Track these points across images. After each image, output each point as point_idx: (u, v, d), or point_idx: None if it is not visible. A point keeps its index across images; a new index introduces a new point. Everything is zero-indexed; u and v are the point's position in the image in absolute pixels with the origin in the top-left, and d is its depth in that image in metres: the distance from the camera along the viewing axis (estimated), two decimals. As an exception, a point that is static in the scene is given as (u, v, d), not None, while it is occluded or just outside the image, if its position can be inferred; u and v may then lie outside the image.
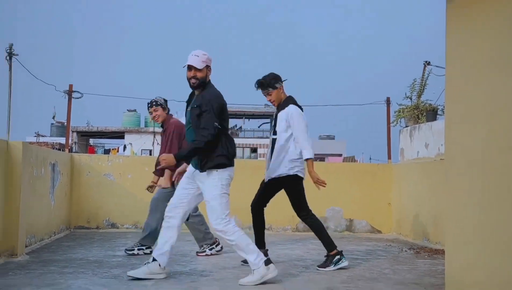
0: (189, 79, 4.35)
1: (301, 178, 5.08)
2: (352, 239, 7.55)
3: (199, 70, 4.31)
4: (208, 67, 4.39)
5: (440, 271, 4.80)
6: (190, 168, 4.45)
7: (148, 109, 5.78)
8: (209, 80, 4.44)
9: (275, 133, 5.13)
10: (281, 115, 5.10)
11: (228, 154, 4.30)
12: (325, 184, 5.02)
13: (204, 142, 4.19)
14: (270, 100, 5.19)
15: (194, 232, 5.71)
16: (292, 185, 5.04)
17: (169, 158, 4.31)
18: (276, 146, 5.02)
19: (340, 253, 5.05)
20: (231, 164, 4.35)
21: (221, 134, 4.29)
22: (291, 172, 4.99)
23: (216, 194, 4.23)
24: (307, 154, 4.97)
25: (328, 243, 5.04)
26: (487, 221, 3.42)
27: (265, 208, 5.15)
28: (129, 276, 4.23)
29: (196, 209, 5.50)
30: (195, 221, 5.62)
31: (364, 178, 8.42)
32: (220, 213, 4.20)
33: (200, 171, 4.27)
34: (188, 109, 4.45)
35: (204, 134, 4.21)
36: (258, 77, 5.20)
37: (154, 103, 5.70)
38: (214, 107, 4.26)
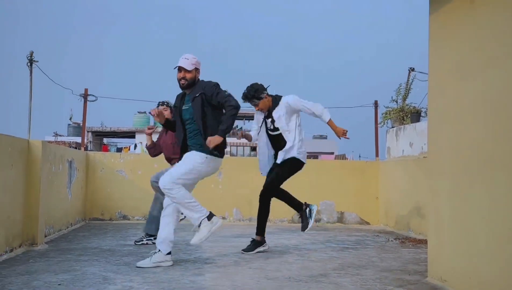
0: (179, 80, 4.39)
1: (303, 164, 5.22)
2: (343, 230, 7.55)
3: (189, 71, 4.35)
4: (197, 69, 4.42)
5: (423, 259, 4.80)
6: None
7: (158, 106, 5.79)
8: (198, 79, 4.45)
9: (273, 130, 5.17)
10: (276, 113, 5.13)
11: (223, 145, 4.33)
12: (347, 136, 5.11)
13: (237, 106, 4.21)
14: (259, 110, 5.22)
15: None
16: (293, 164, 5.14)
17: (216, 138, 4.17)
18: (284, 137, 5.11)
19: (263, 241, 5.14)
20: (221, 156, 4.39)
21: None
22: (299, 157, 5.14)
23: (188, 164, 4.23)
24: (327, 116, 5.09)
25: (261, 228, 5.13)
26: (465, 213, 3.43)
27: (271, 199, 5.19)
28: (138, 267, 4.22)
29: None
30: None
31: (354, 174, 8.42)
32: (175, 177, 4.16)
33: (198, 151, 4.27)
34: (185, 107, 4.41)
35: (231, 100, 4.20)
36: (256, 80, 5.24)
37: (166, 103, 5.77)
38: (218, 86, 4.35)
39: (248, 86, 5.17)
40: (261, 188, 5.17)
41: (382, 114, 9.11)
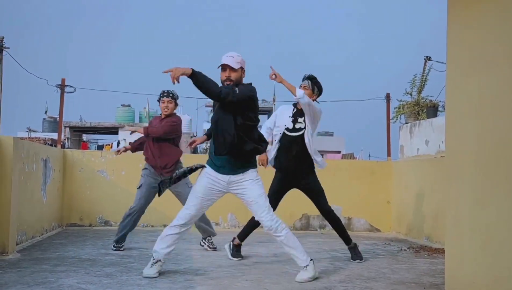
0: (223, 81, 4.25)
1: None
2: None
3: (234, 70, 4.24)
4: (242, 69, 4.32)
5: (439, 271, 4.81)
6: (213, 177, 4.33)
7: (162, 97, 5.79)
8: (242, 81, 4.34)
9: (294, 130, 5.27)
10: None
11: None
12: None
13: (221, 93, 4.03)
14: (301, 99, 5.16)
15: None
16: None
17: (179, 69, 3.91)
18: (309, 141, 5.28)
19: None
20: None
21: (254, 128, 4.32)
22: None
23: (262, 188, 4.34)
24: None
25: (345, 237, 5.45)
26: (488, 220, 3.43)
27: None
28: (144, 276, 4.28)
29: None
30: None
31: (363, 176, 8.43)
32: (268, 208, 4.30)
33: (242, 172, 4.29)
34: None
35: (228, 90, 4.07)
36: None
37: (171, 94, 5.80)
38: (254, 92, 4.27)
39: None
40: None
41: (394, 109, 9.13)
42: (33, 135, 30.05)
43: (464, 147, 3.75)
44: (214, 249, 5.83)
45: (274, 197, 5.16)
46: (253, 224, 5.26)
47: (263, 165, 5.22)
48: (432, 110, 8.18)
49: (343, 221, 8.37)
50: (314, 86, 5.30)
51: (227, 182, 4.30)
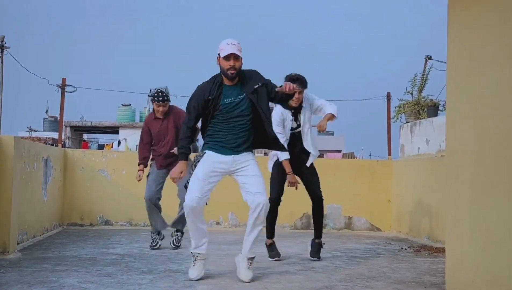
0: (227, 69, 4.19)
1: None
2: (351, 237, 7.56)
3: (239, 59, 4.21)
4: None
5: (440, 270, 4.81)
6: (217, 159, 4.28)
7: (157, 99, 5.78)
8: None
9: (295, 128, 5.35)
10: (306, 108, 5.35)
11: None
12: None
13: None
14: (297, 99, 5.21)
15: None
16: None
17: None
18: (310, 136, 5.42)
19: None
20: None
21: None
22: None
23: (260, 174, 4.35)
24: (334, 110, 5.41)
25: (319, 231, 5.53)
26: (488, 220, 3.43)
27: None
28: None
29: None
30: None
31: (363, 175, 8.43)
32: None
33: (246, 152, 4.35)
34: (236, 99, 4.25)
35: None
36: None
37: (166, 97, 5.82)
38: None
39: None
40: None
41: (395, 108, 9.12)
42: (34, 134, 30.05)
43: (464, 146, 3.75)
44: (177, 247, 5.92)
45: (281, 187, 5.35)
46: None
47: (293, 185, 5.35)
48: (433, 109, 8.18)
49: (344, 220, 8.39)
50: (304, 83, 5.27)
51: (231, 161, 4.29)
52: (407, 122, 8.51)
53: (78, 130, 35.65)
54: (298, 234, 7.58)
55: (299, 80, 5.17)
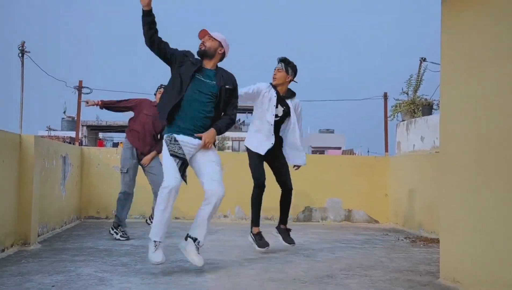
0: (199, 45, 4.25)
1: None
2: (351, 229, 7.56)
3: (212, 39, 4.23)
4: (221, 47, 4.26)
5: (435, 259, 4.80)
6: (189, 143, 4.14)
7: (159, 88, 6.04)
8: (217, 64, 4.32)
9: (285, 115, 5.25)
10: (292, 104, 5.26)
11: None
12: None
13: (234, 122, 4.39)
14: (275, 77, 5.19)
15: None
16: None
17: (212, 135, 4.17)
18: (296, 134, 5.29)
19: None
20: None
21: None
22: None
23: (219, 161, 4.27)
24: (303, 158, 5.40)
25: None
26: (479, 211, 3.43)
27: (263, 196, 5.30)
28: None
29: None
30: None
31: (362, 170, 8.43)
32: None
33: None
34: (209, 81, 4.18)
35: (235, 114, 4.36)
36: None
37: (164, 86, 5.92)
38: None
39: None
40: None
41: (392, 107, 9.12)
42: (52, 133, 30.18)
43: (457, 143, 3.75)
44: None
45: (262, 168, 5.29)
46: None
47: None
48: (427, 108, 8.17)
49: (343, 213, 8.39)
50: (288, 67, 5.21)
51: (197, 144, 4.15)
52: (403, 121, 8.49)
53: (94, 129, 35.75)
54: (301, 226, 7.58)
55: (284, 62, 5.20)
